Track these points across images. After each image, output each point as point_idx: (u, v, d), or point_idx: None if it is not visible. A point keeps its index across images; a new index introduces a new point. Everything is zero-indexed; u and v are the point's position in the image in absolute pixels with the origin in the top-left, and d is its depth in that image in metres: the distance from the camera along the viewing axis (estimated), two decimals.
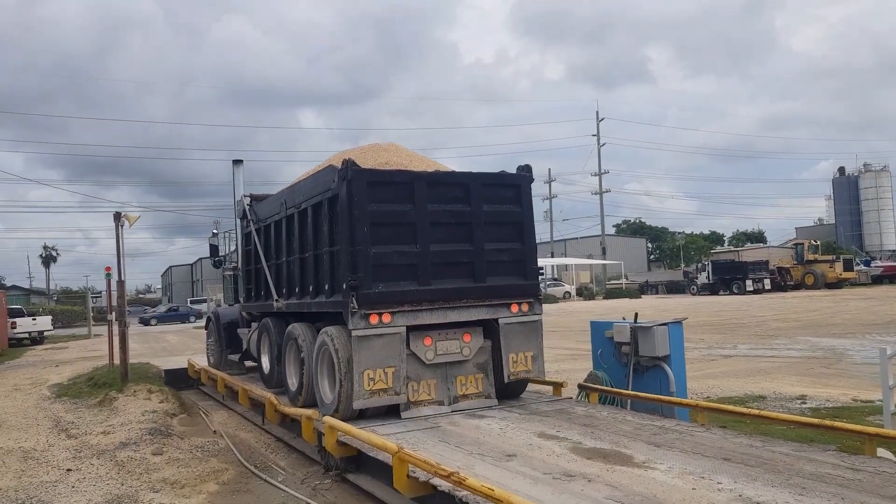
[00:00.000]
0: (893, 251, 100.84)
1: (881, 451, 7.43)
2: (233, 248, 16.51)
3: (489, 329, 9.13)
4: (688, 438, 6.74)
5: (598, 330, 10.45)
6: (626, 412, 8.66)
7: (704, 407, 8.32)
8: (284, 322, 10.87)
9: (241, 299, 13.83)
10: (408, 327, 8.38)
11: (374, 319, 8.18)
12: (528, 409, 8.68)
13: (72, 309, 62.98)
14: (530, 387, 10.04)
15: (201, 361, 16.13)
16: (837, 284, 58.77)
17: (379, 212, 8.34)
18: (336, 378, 8.36)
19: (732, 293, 58.00)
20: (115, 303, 16.35)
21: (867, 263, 70.43)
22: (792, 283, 60.95)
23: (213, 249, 17.83)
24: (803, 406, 10.92)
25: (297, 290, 10.07)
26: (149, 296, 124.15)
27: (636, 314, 9.95)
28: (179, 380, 16.27)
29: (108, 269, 16.93)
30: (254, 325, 13.05)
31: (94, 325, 48.33)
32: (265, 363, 11.69)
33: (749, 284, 58.30)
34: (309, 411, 8.67)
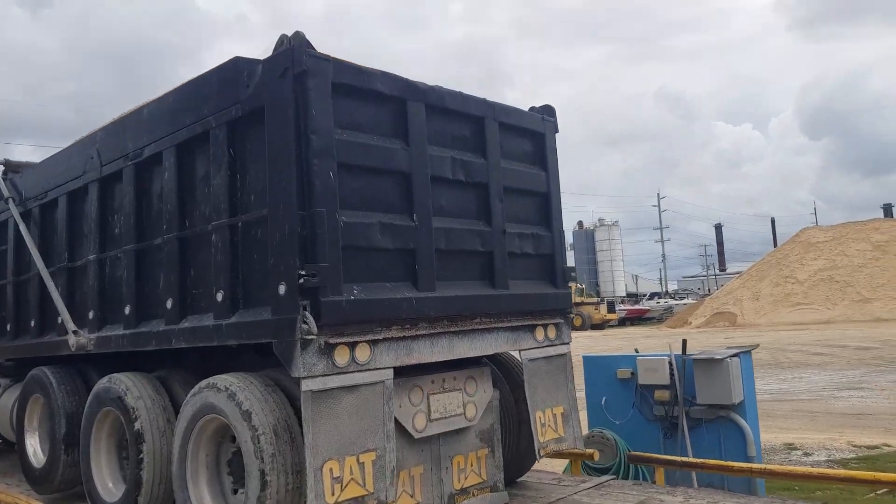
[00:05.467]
0: (624, 296, 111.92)
1: None
2: None
3: (493, 370, 5.44)
4: None
5: (599, 369, 7.17)
6: (703, 492, 5.40)
7: (819, 475, 5.37)
8: (84, 374, 6.09)
9: None
10: (395, 370, 4.37)
11: (343, 355, 4.07)
12: None
13: None
14: None
15: None
16: (601, 325, 62.19)
17: (352, 146, 4.31)
18: (250, 487, 4.04)
19: None
20: None
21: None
22: None
23: None
24: (814, 459, 8.60)
25: (129, 310, 5.39)
26: None
27: (685, 341, 6.83)
28: None
29: None
30: (3, 381, 7.71)
31: None
32: (35, 450, 6.57)
33: None
34: None
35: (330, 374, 4.01)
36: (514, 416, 5.67)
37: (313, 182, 4.04)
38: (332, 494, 3.96)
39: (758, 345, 7.80)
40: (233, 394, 4.19)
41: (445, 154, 4.87)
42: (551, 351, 5.53)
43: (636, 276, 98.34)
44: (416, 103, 4.67)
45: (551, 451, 5.50)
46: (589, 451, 6.14)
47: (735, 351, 6.38)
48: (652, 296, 71.89)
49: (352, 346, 4.13)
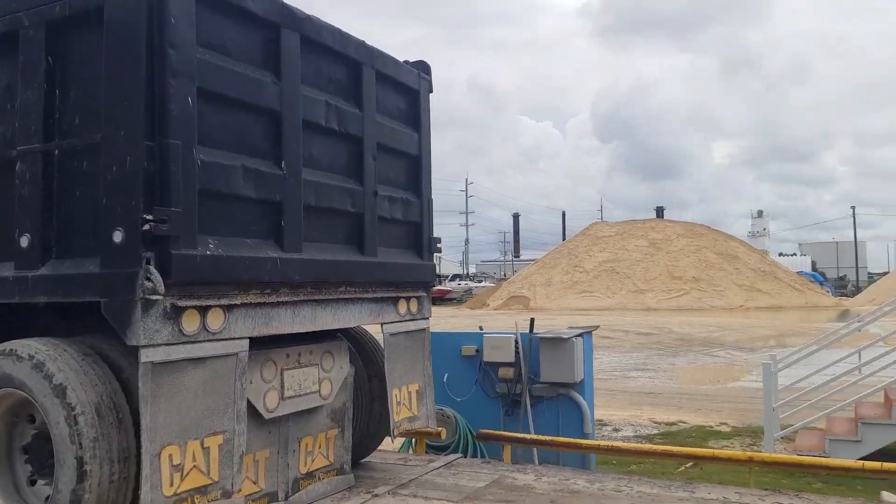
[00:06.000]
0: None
1: (886, 496, 5.75)
2: None
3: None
4: None
5: (442, 346, 6.93)
6: (552, 469, 5.39)
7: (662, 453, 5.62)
8: None
9: None
10: (251, 341, 3.75)
11: (192, 320, 3.39)
12: (415, 488, 4.74)
13: None
14: None
15: None
16: None
17: (216, 71, 3.59)
18: (61, 478, 3.25)
19: None
20: None
21: None
22: None
23: None
24: (646, 434, 9.10)
25: None
26: None
27: (532, 320, 6.75)
28: None
29: None
30: None
31: None
32: None
33: None
34: None
35: (175, 344, 3.31)
36: (366, 394, 5.23)
37: (168, 107, 3.29)
38: (171, 485, 3.29)
39: (598, 326, 8.03)
40: (40, 363, 3.33)
41: (320, 97, 4.28)
42: (412, 326, 5.16)
43: (440, 257, 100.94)
44: (292, 32, 4.02)
45: (404, 430, 5.15)
46: (437, 429, 5.87)
47: (579, 331, 6.45)
48: (454, 277, 74.34)
49: (203, 310, 3.44)
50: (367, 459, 5.52)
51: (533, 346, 6.45)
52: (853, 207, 74.59)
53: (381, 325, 4.89)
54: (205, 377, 3.47)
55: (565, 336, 6.17)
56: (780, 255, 72.97)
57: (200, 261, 3.38)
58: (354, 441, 5.06)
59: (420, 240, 5.25)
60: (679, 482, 4.76)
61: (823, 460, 4.75)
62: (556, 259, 57.28)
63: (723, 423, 9.70)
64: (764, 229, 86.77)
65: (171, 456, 3.29)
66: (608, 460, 7.35)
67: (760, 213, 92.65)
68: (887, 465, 4.46)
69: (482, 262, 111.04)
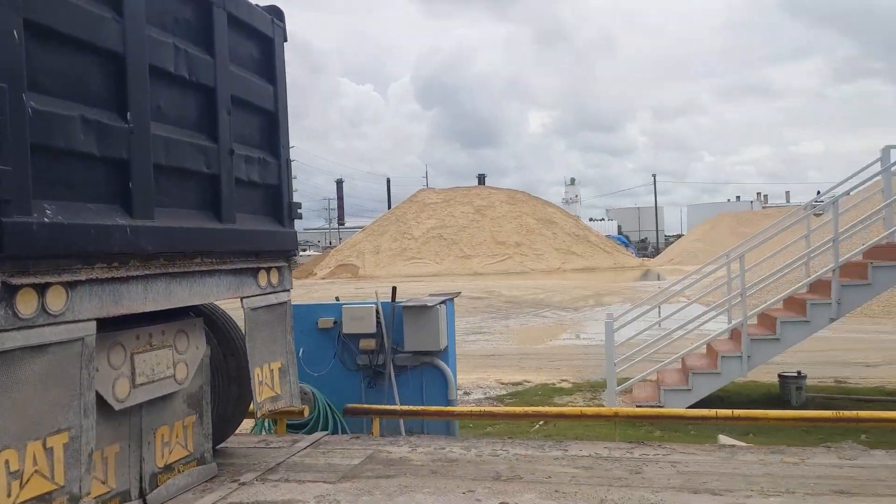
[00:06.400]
0: None
1: (723, 438, 6.35)
2: None
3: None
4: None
5: (297, 319, 6.55)
6: (424, 439, 5.32)
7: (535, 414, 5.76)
8: None
9: None
10: (97, 323, 3.24)
11: (28, 301, 2.84)
12: (285, 472, 4.47)
13: None
14: None
15: None
16: None
17: (47, 0, 2.99)
18: None
19: None
20: None
21: None
22: None
23: None
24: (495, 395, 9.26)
25: None
26: None
27: (394, 288, 6.53)
28: None
29: None
30: None
31: None
32: None
33: None
34: None
35: (9, 330, 2.74)
36: (223, 375, 4.80)
37: None
38: (8, 496, 2.75)
39: (459, 292, 8.01)
40: None
41: (167, 39, 3.73)
42: (273, 299, 4.77)
43: None
44: None
45: (267, 410, 4.78)
46: (301, 406, 5.54)
47: (442, 298, 6.37)
48: None
49: (41, 288, 2.88)
50: (224, 445, 5.10)
51: (396, 315, 6.28)
52: (654, 175, 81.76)
53: (241, 299, 4.47)
54: (46, 367, 2.93)
55: (430, 304, 6.06)
56: (591, 220, 78.58)
57: (37, 230, 2.81)
58: (212, 427, 4.63)
59: (279, 204, 4.85)
60: (551, 442, 4.86)
61: (682, 411, 5.10)
62: (385, 226, 57.50)
63: (564, 380, 10.19)
64: (576, 196, 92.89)
65: (7, 462, 2.75)
66: (464, 424, 7.44)
67: (573, 181, 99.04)
68: (738, 412, 4.84)
69: (305, 230, 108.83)
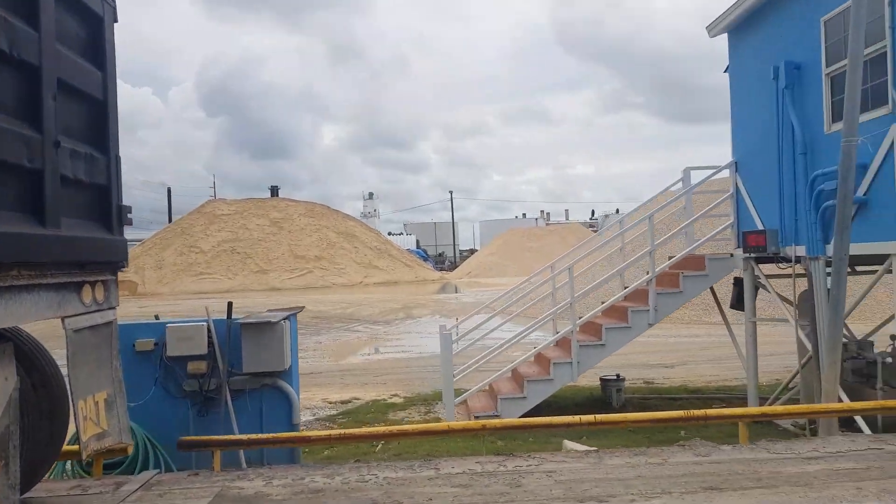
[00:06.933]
0: None
1: (568, 444, 6.57)
2: None
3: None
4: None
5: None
6: (278, 470, 4.84)
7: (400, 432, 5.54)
8: None
9: None
10: None
11: None
12: None
13: None
14: None
15: None
16: None
17: None
18: None
19: None
20: None
21: None
22: None
23: None
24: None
25: None
26: None
27: (230, 304, 5.85)
28: None
29: None
30: None
31: None
32: None
33: None
34: None
35: None
36: (34, 411, 3.97)
37: None
38: None
39: (303, 307, 7.44)
40: None
41: None
42: (98, 318, 4.05)
43: None
44: None
45: (93, 451, 4.03)
46: (129, 442, 4.76)
47: (286, 314, 5.88)
48: None
49: None
50: (30, 495, 4.22)
51: (232, 333, 5.69)
52: (451, 192, 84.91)
53: (63, 319, 3.73)
54: None
55: (273, 320, 5.55)
56: (390, 234, 79.49)
57: None
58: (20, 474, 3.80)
59: (108, 207, 4.14)
60: (419, 461, 4.61)
61: (550, 419, 5.07)
62: (168, 239, 53.67)
63: (394, 395, 9.99)
64: (375, 210, 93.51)
65: None
66: (301, 449, 6.96)
67: (371, 195, 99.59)
68: (600, 417, 4.94)
69: None
